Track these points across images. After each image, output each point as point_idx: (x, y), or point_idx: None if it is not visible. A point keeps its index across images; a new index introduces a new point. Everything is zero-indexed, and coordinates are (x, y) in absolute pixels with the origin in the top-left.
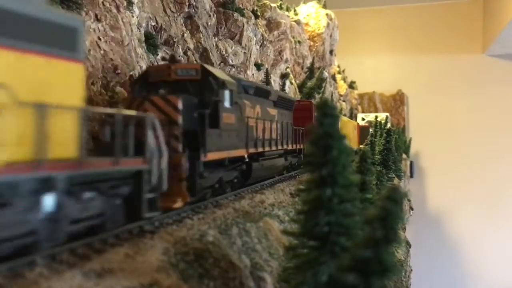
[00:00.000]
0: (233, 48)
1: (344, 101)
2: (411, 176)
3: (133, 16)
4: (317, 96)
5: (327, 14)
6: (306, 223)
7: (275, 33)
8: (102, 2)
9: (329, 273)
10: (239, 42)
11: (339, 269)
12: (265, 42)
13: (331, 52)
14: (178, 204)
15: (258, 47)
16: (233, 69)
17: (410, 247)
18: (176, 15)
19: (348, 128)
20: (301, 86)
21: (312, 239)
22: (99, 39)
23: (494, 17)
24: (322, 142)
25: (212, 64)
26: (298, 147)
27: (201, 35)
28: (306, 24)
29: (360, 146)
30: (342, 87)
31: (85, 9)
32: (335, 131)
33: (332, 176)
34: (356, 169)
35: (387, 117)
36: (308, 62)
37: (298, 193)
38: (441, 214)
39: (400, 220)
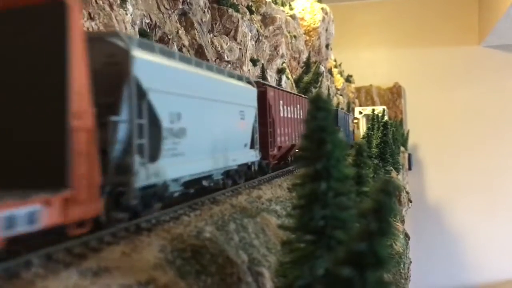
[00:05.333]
0: (228, 44)
1: (341, 95)
2: (410, 168)
3: (126, 14)
4: (314, 91)
5: (322, 8)
6: (302, 218)
7: (271, 28)
8: (95, 0)
9: (325, 266)
10: (234, 38)
11: (334, 262)
12: (260, 38)
13: (327, 46)
14: None
15: (253, 42)
16: (229, 65)
17: (409, 239)
18: (170, 12)
19: None
20: (297, 81)
21: (308, 233)
22: None
23: (490, 8)
24: (316, 136)
25: (208, 61)
26: None
27: (196, 31)
28: (302, 18)
29: None
30: (339, 81)
31: None
32: (329, 125)
33: (327, 170)
34: (352, 163)
35: (384, 110)
36: (304, 57)
37: (293, 187)
38: (440, 205)
39: (394, 212)
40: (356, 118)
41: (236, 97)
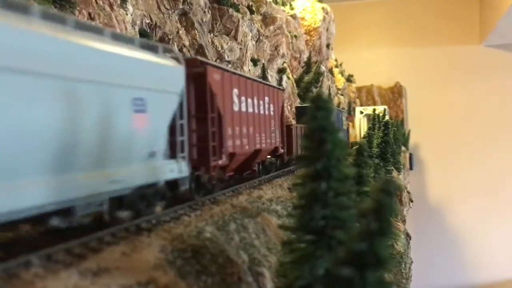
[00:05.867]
0: (228, 44)
1: (342, 94)
2: (411, 168)
3: (127, 14)
4: (315, 91)
5: (323, 8)
6: (302, 217)
7: (271, 28)
8: (95, 1)
9: (325, 266)
10: (235, 37)
11: (335, 262)
12: (261, 37)
13: (328, 46)
14: None
15: (254, 42)
16: (230, 65)
17: (410, 239)
18: (170, 12)
19: None
20: (298, 81)
21: (308, 233)
22: None
23: (491, 7)
24: (316, 136)
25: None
26: None
27: (196, 31)
28: (302, 18)
29: None
30: (340, 81)
31: (78, 8)
32: (329, 125)
33: (327, 169)
34: (353, 162)
35: (385, 109)
36: (305, 57)
37: (294, 187)
38: (441, 205)
39: (395, 212)
40: (351, 116)
41: (126, 75)
